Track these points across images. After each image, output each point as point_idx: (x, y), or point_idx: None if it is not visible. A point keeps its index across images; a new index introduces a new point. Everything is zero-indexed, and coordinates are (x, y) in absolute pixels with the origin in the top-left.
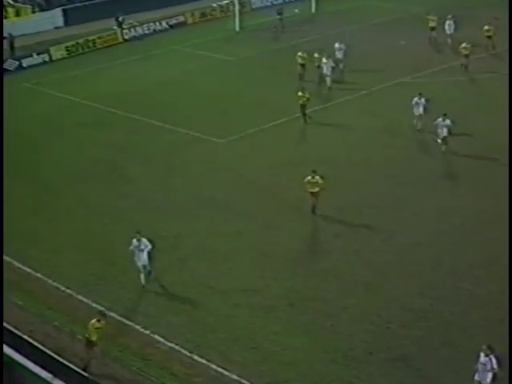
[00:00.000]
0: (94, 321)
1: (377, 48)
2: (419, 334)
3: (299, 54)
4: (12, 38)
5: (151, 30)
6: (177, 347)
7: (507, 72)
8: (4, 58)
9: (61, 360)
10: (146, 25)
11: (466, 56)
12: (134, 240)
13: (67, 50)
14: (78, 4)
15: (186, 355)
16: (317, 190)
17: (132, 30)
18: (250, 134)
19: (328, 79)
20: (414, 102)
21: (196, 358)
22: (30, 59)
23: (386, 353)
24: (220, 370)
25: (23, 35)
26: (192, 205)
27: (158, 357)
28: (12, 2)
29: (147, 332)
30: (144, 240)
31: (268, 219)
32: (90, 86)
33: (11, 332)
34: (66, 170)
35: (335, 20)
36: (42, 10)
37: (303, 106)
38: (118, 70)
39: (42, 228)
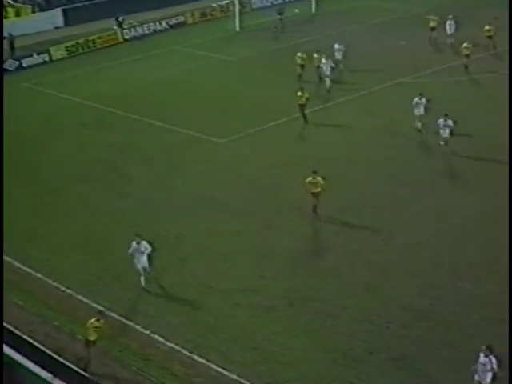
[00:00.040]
0: (92, 320)
1: (377, 48)
2: (419, 334)
3: (298, 54)
4: (12, 38)
5: (151, 30)
6: (177, 347)
7: (507, 72)
8: (4, 58)
9: (61, 360)
10: (145, 25)
11: (467, 56)
12: (134, 243)
13: (67, 50)
14: (78, 4)
15: (186, 355)
16: (318, 190)
17: (132, 30)
18: (250, 134)
19: (327, 80)
20: (414, 103)
21: (196, 358)
22: (29, 59)
23: (386, 353)
24: (220, 369)
25: (23, 35)
26: (192, 205)
27: (158, 357)
28: (12, 2)
29: (147, 332)
30: (144, 243)
31: (268, 219)
32: (90, 86)
33: (11, 332)
34: (66, 170)
35: (335, 20)
36: (42, 9)
37: (303, 106)
38: (117, 70)
39: (41, 228)
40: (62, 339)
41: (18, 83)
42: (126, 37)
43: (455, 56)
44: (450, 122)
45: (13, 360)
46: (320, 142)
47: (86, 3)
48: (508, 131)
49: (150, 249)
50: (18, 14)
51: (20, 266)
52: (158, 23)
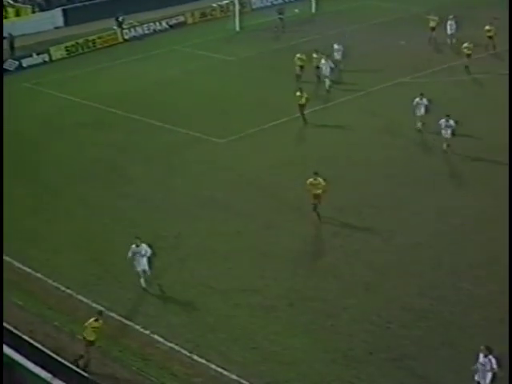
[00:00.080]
0: (91, 320)
1: (377, 48)
2: (419, 333)
3: (298, 55)
4: (12, 38)
5: (151, 30)
6: (177, 347)
7: (507, 72)
8: (4, 58)
9: (61, 360)
10: (145, 25)
11: (468, 56)
12: (134, 246)
13: (67, 50)
14: (78, 4)
15: (186, 355)
16: (319, 191)
17: (132, 30)
18: (250, 134)
19: (327, 80)
20: (414, 103)
21: (196, 358)
22: (29, 59)
23: (386, 353)
24: (220, 370)
25: (23, 35)
26: (192, 205)
27: (158, 357)
28: (12, 2)
29: (147, 332)
30: (144, 245)
31: (268, 219)
32: (90, 86)
33: (11, 332)
34: (66, 170)
35: (335, 20)
36: (42, 9)
37: (302, 106)
38: (117, 70)
39: (41, 228)
40: (62, 339)
41: (18, 83)
42: (126, 37)
43: (455, 56)
44: (451, 123)
45: (13, 360)
46: (320, 142)
47: (86, 3)
48: (508, 131)
49: (149, 251)
50: (18, 14)
51: (20, 265)
52: (158, 23)
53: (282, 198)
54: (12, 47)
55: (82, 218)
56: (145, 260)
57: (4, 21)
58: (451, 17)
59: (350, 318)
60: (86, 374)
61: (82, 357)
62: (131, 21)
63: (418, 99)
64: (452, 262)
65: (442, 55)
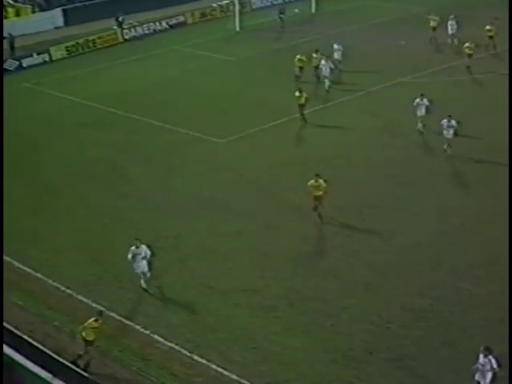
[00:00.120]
0: (90, 321)
1: (377, 48)
2: (419, 333)
3: (298, 56)
4: (12, 38)
5: (151, 30)
6: (177, 347)
7: (507, 72)
8: (4, 58)
9: (61, 360)
10: (145, 25)
11: (470, 56)
12: (133, 247)
13: (67, 50)
14: (78, 4)
15: (186, 355)
16: (320, 193)
17: (132, 30)
18: (250, 134)
19: (326, 81)
20: (415, 104)
21: (196, 357)
22: (29, 59)
23: (386, 353)
24: (220, 369)
25: (23, 35)
26: (192, 205)
27: (158, 357)
28: (12, 2)
29: (147, 332)
30: (143, 247)
31: (268, 219)
32: (90, 86)
33: (11, 332)
34: (66, 170)
35: (335, 20)
36: (42, 9)
37: (302, 106)
38: (117, 70)
39: (41, 228)
40: (62, 339)
41: (18, 83)
42: (126, 37)
43: (455, 56)
44: (453, 123)
45: (13, 360)
46: (320, 142)
47: (86, 3)
48: (508, 131)
49: (149, 253)
50: (18, 14)
51: (20, 265)
52: (158, 23)
53: (282, 198)
54: (12, 47)
55: (82, 218)
56: (144, 262)
57: (4, 21)
58: (452, 17)
59: (349, 317)
60: (86, 374)
61: (80, 356)
62: (131, 21)
63: (418, 100)
64: (452, 262)
65: (442, 55)
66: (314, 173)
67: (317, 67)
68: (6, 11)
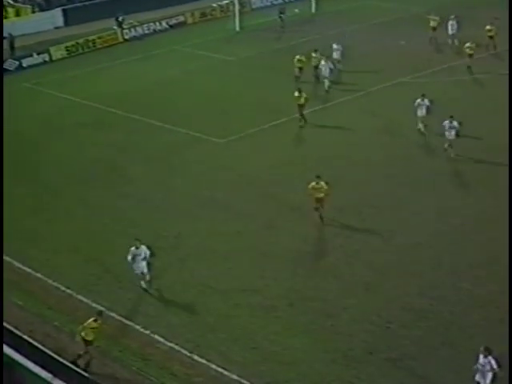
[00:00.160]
0: (90, 320)
1: (377, 48)
2: (419, 333)
3: (297, 57)
4: (12, 38)
5: (151, 30)
6: (177, 347)
7: (507, 72)
8: (4, 58)
9: (61, 360)
10: (145, 25)
11: (470, 56)
12: (133, 248)
13: (67, 50)
14: (78, 4)
15: (186, 355)
16: (321, 195)
17: (132, 29)
18: (250, 134)
19: (326, 81)
20: (416, 104)
21: (196, 357)
22: (29, 59)
23: (385, 353)
24: (220, 369)
25: (23, 35)
26: (192, 205)
27: (158, 357)
28: (12, 2)
29: (147, 332)
30: (143, 247)
31: (268, 219)
32: (90, 86)
33: (11, 332)
34: (66, 170)
35: (335, 20)
36: (42, 9)
37: (301, 107)
38: (117, 70)
39: (42, 228)
40: (62, 339)
41: (18, 83)
42: (126, 37)
43: (455, 56)
44: (455, 124)
45: (13, 360)
46: (320, 142)
47: (86, 3)
48: (508, 131)
49: (149, 254)
50: (18, 14)
51: (20, 265)
52: (158, 23)
53: (282, 198)
54: (12, 47)
55: (82, 218)
56: (144, 263)
57: (4, 21)
58: (452, 17)
59: (350, 317)
60: (86, 374)
61: (80, 356)
62: (131, 21)
63: (419, 100)
64: (452, 262)
65: (443, 55)
66: (315, 175)
67: (316, 67)
68: (6, 11)
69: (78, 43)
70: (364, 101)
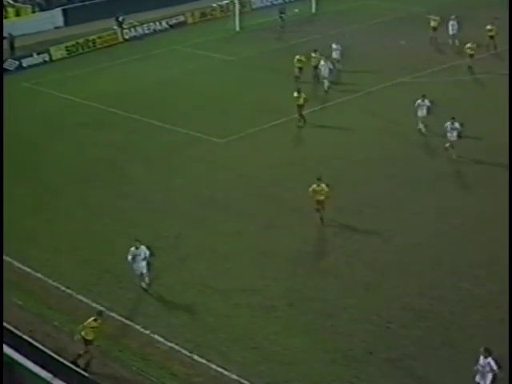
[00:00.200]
0: (90, 320)
1: (377, 48)
2: (419, 334)
3: (297, 57)
4: (12, 38)
5: (151, 30)
6: (177, 347)
7: (507, 72)
8: (4, 58)
9: (61, 360)
10: (146, 25)
11: (471, 56)
12: (133, 248)
13: (67, 50)
14: (78, 4)
15: (186, 355)
16: (322, 198)
17: (132, 29)
18: (250, 134)
19: (325, 81)
20: (416, 104)
21: (196, 357)
22: (29, 59)
23: (385, 353)
24: (220, 369)
25: (23, 35)
26: (192, 205)
27: (158, 357)
28: (12, 2)
29: (147, 332)
30: (143, 247)
31: (268, 219)
32: (90, 86)
33: (11, 332)
34: (66, 170)
35: (335, 20)
36: (42, 9)
37: (300, 107)
38: (117, 70)
39: (41, 228)
40: (62, 339)
41: (18, 83)
42: (126, 37)
43: (455, 56)
44: (457, 125)
45: (13, 360)
46: (320, 142)
47: (86, 3)
48: (508, 132)
49: (148, 254)
50: (18, 14)
51: (20, 265)
52: (157, 23)
53: (282, 198)
54: (12, 47)
55: (82, 218)
56: (144, 263)
57: (4, 21)
58: (453, 17)
59: (350, 317)
60: (86, 374)
61: (80, 356)
62: (131, 21)
63: (419, 100)
64: (452, 262)
65: (443, 55)
66: (316, 177)
67: (316, 67)
68: (6, 11)
69: (78, 43)
70: (364, 101)
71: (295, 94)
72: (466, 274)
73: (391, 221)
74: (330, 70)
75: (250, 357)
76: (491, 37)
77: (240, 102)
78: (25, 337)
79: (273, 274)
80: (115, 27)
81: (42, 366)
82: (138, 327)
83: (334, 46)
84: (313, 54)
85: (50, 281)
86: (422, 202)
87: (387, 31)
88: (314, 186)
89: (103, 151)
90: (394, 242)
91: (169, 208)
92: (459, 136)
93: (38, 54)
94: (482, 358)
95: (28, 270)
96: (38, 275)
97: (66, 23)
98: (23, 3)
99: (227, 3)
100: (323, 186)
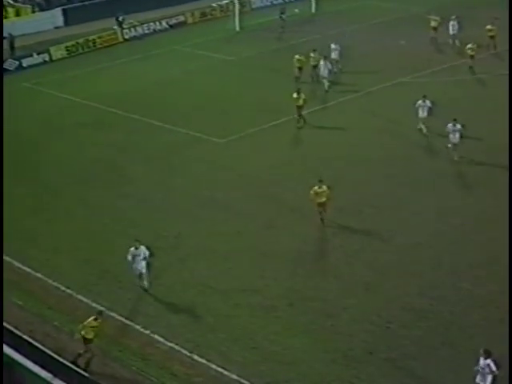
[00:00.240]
0: (90, 319)
1: (377, 48)
2: (419, 334)
3: (297, 56)
4: (12, 38)
5: (151, 30)
6: (177, 347)
7: (507, 72)
8: (4, 58)
9: (61, 360)
10: (146, 25)
11: (472, 57)
12: (133, 248)
13: (67, 50)
14: (78, 4)
15: (186, 355)
16: (324, 199)
17: (132, 29)
18: (250, 134)
19: (325, 82)
20: (417, 105)
21: (196, 357)
22: (29, 59)
23: (385, 353)
24: (220, 369)
25: (23, 35)
26: (192, 205)
27: (158, 357)
28: (12, 2)
29: (147, 332)
30: (142, 248)
31: (268, 219)
32: (90, 86)
33: (11, 332)
34: (66, 170)
35: (335, 20)
36: (42, 9)
37: (300, 108)
38: (117, 70)
39: (41, 228)
40: (62, 339)
41: (18, 83)
42: (126, 37)
43: (455, 56)
44: (459, 126)
45: (13, 360)
46: (320, 142)
47: (86, 3)
48: (508, 132)
49: (148, 254)
50: (18, 14)
51: (20, 265)
52: (157, 23)
53: (282, 198)
54: (12, 47)
55: (82, 218)
56: (144, 263)
57: (4, 21)
58: (454, 17)
59: (350, 317)
60: (86, 374)
61: (80, 355)
62: (131, 20)
63: (420, 101)
64: (452, 262)
65: (443, 55)
66: (318, 179)
67: (315, 66)
68: (6, 11)
69: (78, 43)
70: (364, 101)
71: (295, 95)
72: (466, 274)
73: (391, 221)
74: (329, 70)
75: (250, 357)
76: (491, 37)
77: (240, 102)
78: (25, 337)
79: (273, 273)
80: (115, 27)
81: (42, 366)
82: (138, 327)
83: (332, 46)
84: (312, 54)
85: (50, 281)
86: (422, 202)
87: (387, 31)
88: (316, 187)
89: (103, 151)
90: (394, 242)
91: (169, 208)
92: (461, 137)
93: (38, 54)
94: (481, 359)
95: (28, 269)
96: (38, 275)
97: (66, 23)
98: (23, 3)
99: (227, 3)
100: (324, 187)
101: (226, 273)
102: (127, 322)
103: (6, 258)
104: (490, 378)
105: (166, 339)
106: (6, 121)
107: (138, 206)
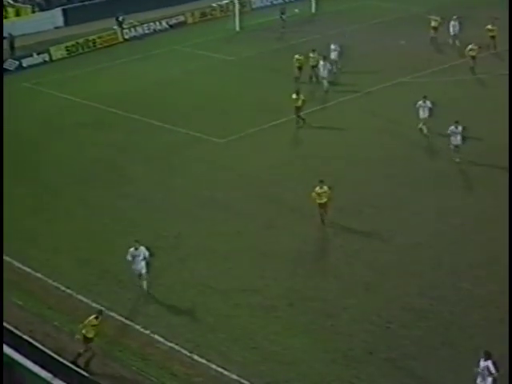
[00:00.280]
0: (91, 318)
1: (377, 48)
2: (419, 333)
3: (296, 56)
4: (12, 38)
5: (151, 30)
6: (177, 347)
7: (507, 72)
8: (4, 58)
9: (61, 360)
10: (146, 25)
11: (473, 57)
12: (132, 249)
13: (67, 50)
14: (78, 4)
15: (186, 355)
16: (325, 200)
17: (132, 29)
18: (250, 134)
19: (325, 82)
20: (417, 106)
21: (196, 357)
22: (29, 59)
23: (385, 353)
24: (220, 369)
25: (23, 35)
26: (192, 205)
27: (158, 357)
28: (12, 2)
29: (147, 332)
30: (142, 248)
31: (268, 219)
32: (90, 86)
33: (11, 332)
34: (66, 170)
35: (335, 20)
36: (42, 9)
37: (298, 109)
38: (117, 70)
39: (41, 228)
40: (62, 339)
41: (18, 83)
42: (126, 37)
43: (455, 56)
44: (460, 129)
45: (13, 360)
46: (320, 142)
47: (86, 3)
48: (508, 132)
49: (147, 254)
50: (18, 14)
51: (20, 265)
52: (157, 23)
53: (282, 198)
54: (12, 47)
55: (82, 218)
56: (143, 263)
57: (4, 21)
58: (455, 17)
59: (350, 317)
60: (86, 374)
61: (80, 355)
62: (131, 20)
63: (421, 102)
64: (452, 262)
65: (443, 55)
66: (319, 179)
67: (314, 66)
68: (6, 11)
69: (77, 43)
70: (364, 101)
71: (294, 96)
72: (466, 274)
73: (391, 221)
74: (329, 70)
75: (250, 357)
76: (492, 36)
77: (240, 101)
78: (25, 337)
79: (273, 273)
80: (115, 27)
81: (42, 366)
82: (138, 327)
83: (332, 46)
84: (311, 55)
85: (50, 281)
86: (422, 202)
87: (387, 31)
88: (317, 188)
89: (103, 151)
90: (394, 242)
91: (169, 208)
92: (463, 139)
93: (38, 54)
94: (482, 360)
95: (28, 269)
96: (38, 275)
97: (66, 23)
98: (23, 3)
99: (227, 3)
100: (326, 188)
101: (225, 273)
102: (127, 321)
103: (6, 258)
104: (490, 380)
105: (166, 339)
106: (6, 121)
107: (138, 206)
